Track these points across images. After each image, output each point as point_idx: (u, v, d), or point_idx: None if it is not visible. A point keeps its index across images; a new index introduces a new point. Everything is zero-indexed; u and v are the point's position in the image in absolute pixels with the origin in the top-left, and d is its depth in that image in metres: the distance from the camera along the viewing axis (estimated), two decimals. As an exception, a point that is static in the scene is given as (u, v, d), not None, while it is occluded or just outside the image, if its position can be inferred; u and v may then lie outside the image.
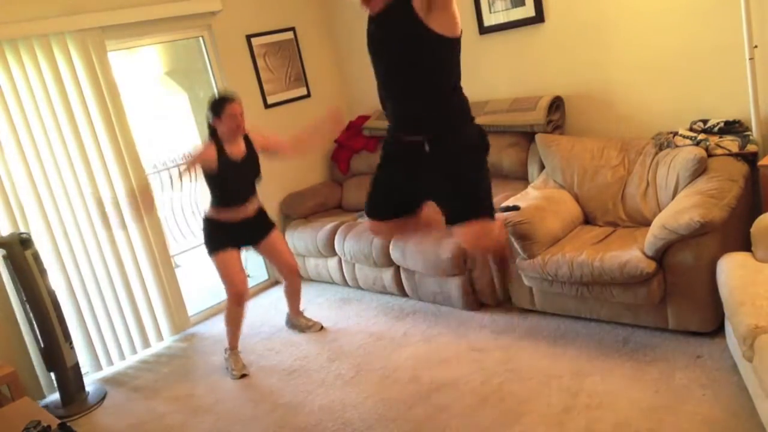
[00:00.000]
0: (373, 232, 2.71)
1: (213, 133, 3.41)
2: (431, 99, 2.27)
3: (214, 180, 3.42)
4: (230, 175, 3.41)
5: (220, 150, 3.38)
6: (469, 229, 2.35)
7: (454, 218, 2.38)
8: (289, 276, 3.87)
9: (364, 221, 4.38)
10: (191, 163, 3.35)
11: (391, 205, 2.59)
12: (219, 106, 3.35)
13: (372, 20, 2.34)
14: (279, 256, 3.78)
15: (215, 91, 3.90)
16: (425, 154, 2.32)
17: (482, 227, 2.35)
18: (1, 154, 3.56)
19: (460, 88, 2.31)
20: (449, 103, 2.29)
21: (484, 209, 2.36)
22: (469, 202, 2.35)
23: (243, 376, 3.58)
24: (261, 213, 3.66)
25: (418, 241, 3.79)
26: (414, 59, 2.21)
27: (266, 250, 3.76)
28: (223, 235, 3.53)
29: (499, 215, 2.39)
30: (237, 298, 3.57)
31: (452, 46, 2.20)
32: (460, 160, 2.32)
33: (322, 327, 4.01)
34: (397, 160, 2.46)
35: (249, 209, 3.55)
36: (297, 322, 4.01)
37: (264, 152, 3.58)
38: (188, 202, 6.36)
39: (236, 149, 3.43)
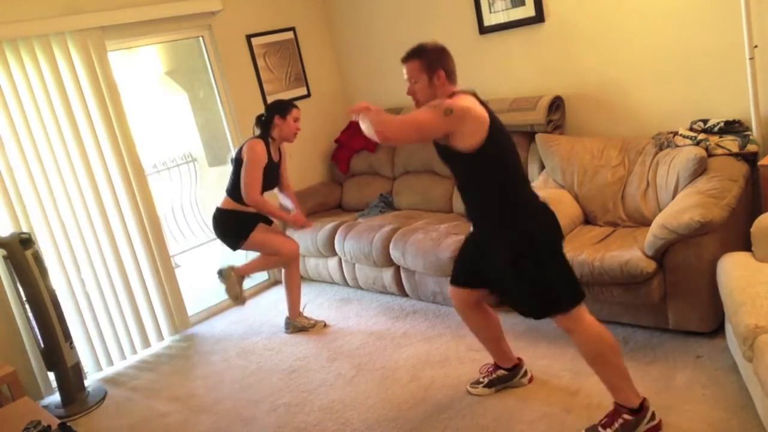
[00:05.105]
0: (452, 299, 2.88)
1: (263, 132, 3.64)
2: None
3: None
4: (269, 174, 3.66)
5: (267, 149, 3.64)
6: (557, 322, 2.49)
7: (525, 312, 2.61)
8: (292, 260, 3.94)
9: (362, 220, 4.39)
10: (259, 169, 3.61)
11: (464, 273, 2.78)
12: (288, 107, 3.64)
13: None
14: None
15: (215, 89, 4.04)
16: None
17: (561, 323, 2.47)
18: (1, 154, 3.56)
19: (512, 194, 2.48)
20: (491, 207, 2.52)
21: (547, 305, 2.45)
22: (527, 297, 2.50)
23: (325, 325, 3.97)
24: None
25: (418, 241, 3.80)
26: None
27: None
28: (246, 222, 3.76)
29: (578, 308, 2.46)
30: (293, 256, 3.88)
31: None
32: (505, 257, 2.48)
33: (326, 324, 4.02)
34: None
35: None
36: (298, 323, 4.01)
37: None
38: (188, 202, 6.36)
39: (275, 153, 3.70)
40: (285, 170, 3.88)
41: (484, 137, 2.35)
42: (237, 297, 3.95)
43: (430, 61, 2.46)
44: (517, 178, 2.52)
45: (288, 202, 3.93)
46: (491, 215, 2.51)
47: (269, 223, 3.91)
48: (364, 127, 2.44)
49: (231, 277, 3.89)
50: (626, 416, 2.38)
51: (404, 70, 2.52)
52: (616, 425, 2.39)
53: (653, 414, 2.41)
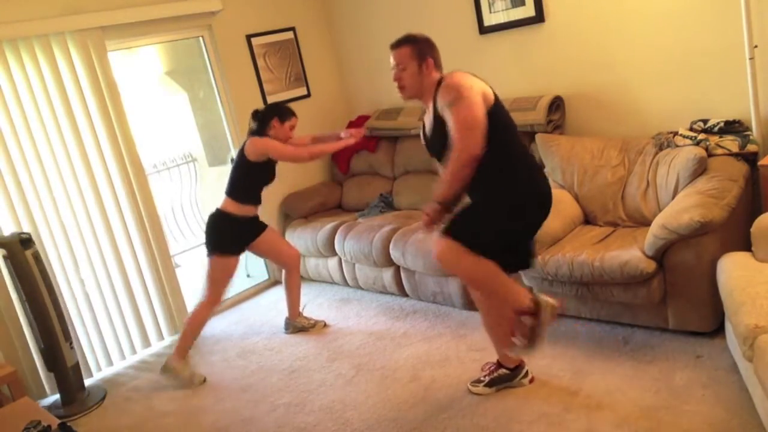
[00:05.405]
0: None
1: (259, 128, 3.58)
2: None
3: (260, 173, 3.60)
4: (268, 168, 3.63)
5: None
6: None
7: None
8: (293, 266, 3.94)
9: (362, 220, 4.39)
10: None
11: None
12: (288, 114, 3.62)
13: None
14: (279, 247, 3.93)
15: (215, 89, 4.19)
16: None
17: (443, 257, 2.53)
18: (1, 154, 3.56)
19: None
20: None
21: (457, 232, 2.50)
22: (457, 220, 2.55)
23: (203, 381, 3.59)
24: (257, 215, 3.80)
25: (418, 241, 3.79)
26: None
27: (265, 246, 3.84)
28: (237, 238, 3.68)
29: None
30: (216, 305, 3.71)
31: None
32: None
33: (326, 324, 4.02)
34: None
35: (258, 209, 3.75)
36: (297, 323, 4.00)
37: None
38: (188, 202, 6.37)
39: None
40: (294, 141, 3.73)
41: (491, 102, 2.47)
42: (191, 381, 3.58)
43: (421, 49, 2.56)
44: (517, 145, 2.64)
45: (329, 140, 3.79)
46: (491, 182, 2.53)
47: (255, 235, 3.73)
48: (457, 184, 2.48)
49: (173, 369, 3.59)
50: (526, 320, 2.49)
51: (392, 57, 2.60)
52: (524, 330, 2.50)
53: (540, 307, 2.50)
